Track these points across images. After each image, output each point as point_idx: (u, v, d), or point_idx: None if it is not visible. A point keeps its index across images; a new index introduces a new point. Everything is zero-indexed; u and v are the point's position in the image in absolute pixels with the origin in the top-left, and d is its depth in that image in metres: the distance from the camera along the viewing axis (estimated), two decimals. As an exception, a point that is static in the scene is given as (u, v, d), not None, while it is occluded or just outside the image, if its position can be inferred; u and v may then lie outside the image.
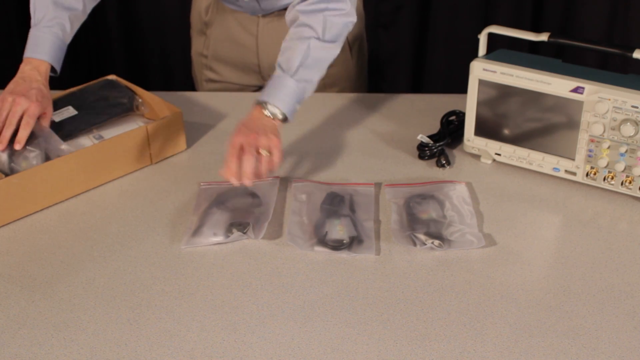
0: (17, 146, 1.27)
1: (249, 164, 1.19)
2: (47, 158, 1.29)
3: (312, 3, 1.31)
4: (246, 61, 1.69)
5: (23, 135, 1.28)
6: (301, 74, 1.29)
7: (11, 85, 1.33)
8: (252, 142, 1.21)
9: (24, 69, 1.36)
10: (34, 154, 1.28)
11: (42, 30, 1.37)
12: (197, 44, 1.74)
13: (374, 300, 1.07)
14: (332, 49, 1.33)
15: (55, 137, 1.32)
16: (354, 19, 1.35)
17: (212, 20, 1.67)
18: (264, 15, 1.60)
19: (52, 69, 1.39)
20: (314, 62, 1.31)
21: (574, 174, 1.30)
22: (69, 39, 1.41)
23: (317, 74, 1.32)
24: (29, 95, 1.30)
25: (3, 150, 1.27)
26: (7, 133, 1.28)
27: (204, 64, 1.74)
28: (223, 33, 1.67)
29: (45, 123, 1.33)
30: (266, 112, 1.26)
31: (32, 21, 1.39)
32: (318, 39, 1.30)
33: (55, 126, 1.35)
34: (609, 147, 1.25)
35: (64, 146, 1.31)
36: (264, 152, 1.22)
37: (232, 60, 1.70)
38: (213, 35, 1.68)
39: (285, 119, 1.28)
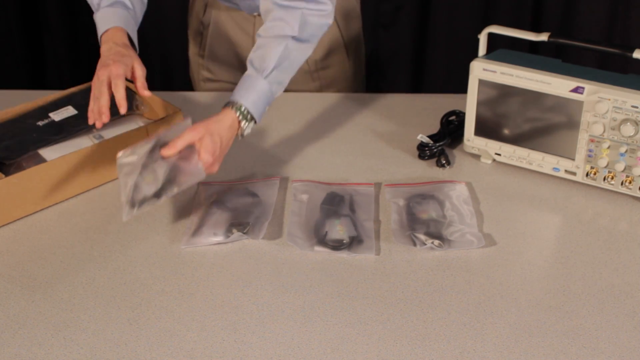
0: (122, 110, 1.21)
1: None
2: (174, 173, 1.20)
3: None
4: (242, 61, 1.68)
5: (118, 97, 1.21)
6: (274, 76, 1.25)
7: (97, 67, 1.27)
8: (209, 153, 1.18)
9: (101, 50, 1.29)
10: (159, 165, 1.18)
11: (103, 11, 1.31)
12: (194, 44, 1.74)
13: (374, 300, 1.07)
14: (307, 49, 1.30)
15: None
16: (331, 20, 1.32)
17: (209, 19, 1.66)
18: (260, 14, 1.60)
19: (130, 43, 1.32)
20: (289, 65, 1.27)
21: (574, 174, 1.30)
22: (134, 16, 1.35)
23: (289, 76, 1.29)
24: (106, 63, 1.24)
25: (109, 121, 1.21)
26: (102, 101, 1.21)
27: (200, 64, 1.74)
28: (219, 33, 1.66)
29: (139, 83, 1.25)
30: (237, 115, 1.23)
31: (93, 8, 1.34)
32: (294, 38, 1.26)
33: (55, 126, 1.35)
34: (609, 147, 1.25)
35: (188, 121, 1.21)
36: (199, 164, 1.18)
37: (228, 60, 1.70)
38: (209, 35, 1.68)
39: (254, 121, 1.24)
